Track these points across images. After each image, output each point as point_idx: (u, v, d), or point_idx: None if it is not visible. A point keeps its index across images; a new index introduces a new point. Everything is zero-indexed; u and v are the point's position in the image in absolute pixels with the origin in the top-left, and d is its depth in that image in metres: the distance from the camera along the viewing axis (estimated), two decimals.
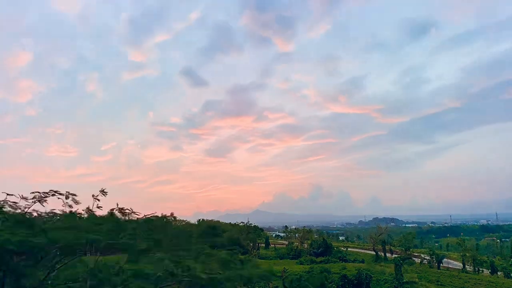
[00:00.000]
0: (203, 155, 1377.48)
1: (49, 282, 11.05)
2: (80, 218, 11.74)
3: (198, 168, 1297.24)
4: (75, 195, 11.16)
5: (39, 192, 10.81)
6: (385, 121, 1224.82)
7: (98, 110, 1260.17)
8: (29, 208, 10.98)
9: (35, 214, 11.35)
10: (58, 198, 10.98)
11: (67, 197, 11.05)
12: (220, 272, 8.93)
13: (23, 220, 10.55)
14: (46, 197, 10.90)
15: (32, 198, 10.86)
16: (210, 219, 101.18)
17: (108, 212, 12.28)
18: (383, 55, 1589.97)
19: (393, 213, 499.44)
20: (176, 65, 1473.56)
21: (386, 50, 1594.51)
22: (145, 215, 12.52)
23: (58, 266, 11.41)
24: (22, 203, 10.96)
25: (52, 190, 10.94)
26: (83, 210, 11.82)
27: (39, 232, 9.57)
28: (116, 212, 12.11)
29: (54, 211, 11.39)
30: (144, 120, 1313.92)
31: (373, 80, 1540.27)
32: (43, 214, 11.53)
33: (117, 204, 12.74)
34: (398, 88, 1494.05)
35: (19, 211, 11.05)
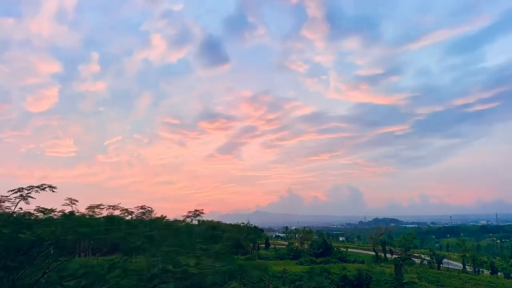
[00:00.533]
0: (208, 152, 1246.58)
1: (44, 281, 10.94)
2: (71, 215, 11.63)
3: (202, 166, 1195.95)
4: (55, 187, 11.00)
5: (22, 188, 10.65)
6: (414, 112, 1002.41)
7: (102, 99, 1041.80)
8: (15, 205, 10.84)
9: (21, 211, 11.20)
10: (39, 192, 10.78)
11: (43, 189, 10.82)
12: (216, 265, 8.84)
13: (8, 218, 10.43)
14: (28, 193, 10.72)
15: (15, 193, 10.69)
16: (210, 219, 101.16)
17: (88, 208, 12.12)
18: (435, 23, 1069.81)
19: (393, 214, 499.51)
20: (190, 41, 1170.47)
21: (441, 18, 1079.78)
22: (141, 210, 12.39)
23: (54, 266, 11.31)
24: (7, 200, 10.83)
25: (32, 186, 10.79)
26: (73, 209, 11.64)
27: (25, 228, 9.45)
28: (107, 211, 12.00)
29: (40, 208, 11.23)
30: (150, 110, 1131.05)
31: (415, 59, 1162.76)
32: (29, 211, 11.36)
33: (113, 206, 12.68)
34: (445, 69, 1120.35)
35: (5, 209, 10.91)
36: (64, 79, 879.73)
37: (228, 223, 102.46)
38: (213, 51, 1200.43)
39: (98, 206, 11.85)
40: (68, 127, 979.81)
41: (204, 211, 13.80)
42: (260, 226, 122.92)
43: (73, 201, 11.80)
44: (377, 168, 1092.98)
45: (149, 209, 13.32)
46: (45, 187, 10.84)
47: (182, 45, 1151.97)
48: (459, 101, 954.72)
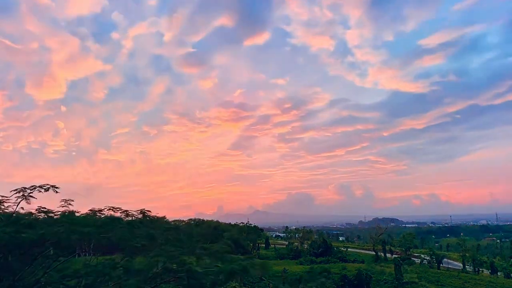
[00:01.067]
0: (216, 148, 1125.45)
1: (44, 281, 10.98)
2: (72, 214, 11.69)
3: (208, 163, 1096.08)
4: (58, 187, 11.03)
5: (24, 188, 10.70)
6: (442, 101, 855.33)
7: (109, 85, 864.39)
8: (17, 205, 10.89)
9: (22, 211, 11.23)
10: (41, 192, 10.81)
11: (46, 190, 10.84)
12: (218, 265, 8.88)
13: (10, 217, 10.47)
14: (30, 193, 10.76)
15: (17, 193, 10.73)
16: (211, 219, 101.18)
17: (91, 211, 12.16)
18: None
19: (393, 214, 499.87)
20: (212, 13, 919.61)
21: None
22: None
23: (54, 265, 11.35)
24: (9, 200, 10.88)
25: (34, 186, 10.84)
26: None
27: (27, 228, 9.48)
28: (108, 211, 12.07)
29: (41, 208, 11.28)
30: (160, 100, 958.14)
31: (458, 35, 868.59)
32: (30, 211, 11.38)
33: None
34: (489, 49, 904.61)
35: (5, 208, 10.96)
36: (66, 60, 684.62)
37: (228, 222, 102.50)
38: (238, 27, 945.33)
39: (100, 211, 11.89)
40: (69, 118, 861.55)
41: (154, 213, 13.58)
42: (260, 226, 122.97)
43: (69, 202, 11.86)
44: (387, 164, 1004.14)
45: (149, 213, 13.31)
46: (48, 188, 10.88)
47: (204, 18, 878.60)
48: (494, 90, 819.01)
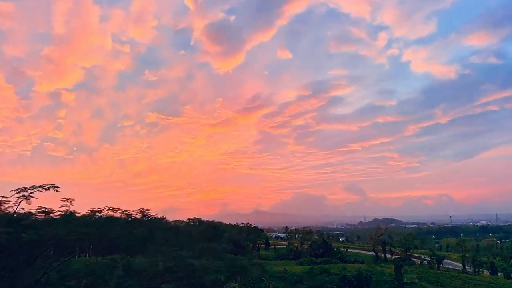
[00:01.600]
0: (222, 146, 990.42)
1: (43, 281, 10.96)
2: (72, 215, 11.66)
3: (212, 161, 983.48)
4: (58, 186, 10.99)
5: (24, 188, 10.67)
6: (479, 88, 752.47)
7: (119, 70, 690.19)
8: (17, 205, 10.86)
9: (22, 211, 11.19)
10: (41, 191, 10.76)
11: (47, 189, 10.80)
12: (217, 263, 8.88)
13: (11, 218, 10.44)
14: (30, 193, 10.71)
15: (17, 194, 10.69)
16: (212, 219, 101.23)
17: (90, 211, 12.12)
18: None
19: (393, 214, 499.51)
20: None
21: None
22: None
23: (54, 265, 11.33)
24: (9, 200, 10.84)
25: (34, 185, 10.81)
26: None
27: (28, 228, 9.46)
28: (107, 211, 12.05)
29: (42, 208, 11.22)
30: (177, 88, 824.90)
31: None
32: (31, 211, 11.34)
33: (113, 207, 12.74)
34: None
35: (7, 209, 10.92)
36: (70, 35, 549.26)
37: (228, 223, 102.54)
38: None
39: (99, 211, 11.88)
40: (71, 110, 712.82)
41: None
42: (260, 226, 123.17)
43: (70, 202, 11.83)
44: (400, 161, 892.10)
45: (149, 211, 13.32)
46: (49, 187, 10.86)
47: None
48: None
